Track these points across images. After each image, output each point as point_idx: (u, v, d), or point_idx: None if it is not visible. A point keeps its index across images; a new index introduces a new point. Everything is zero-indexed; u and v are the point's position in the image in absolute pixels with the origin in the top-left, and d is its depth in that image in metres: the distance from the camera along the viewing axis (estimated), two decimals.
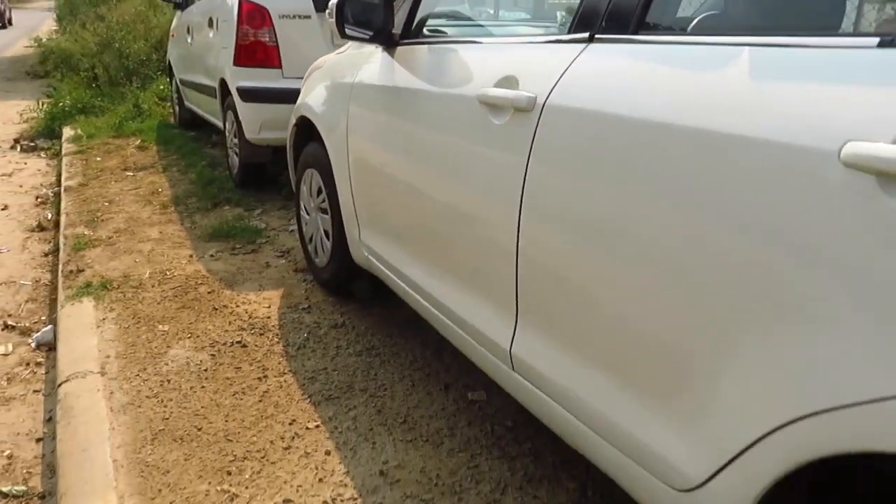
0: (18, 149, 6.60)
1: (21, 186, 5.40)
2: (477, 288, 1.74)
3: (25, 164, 6.12)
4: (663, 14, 1.39)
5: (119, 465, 1.86)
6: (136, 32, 8.11)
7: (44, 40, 13.13)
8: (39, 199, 5.07)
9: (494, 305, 1.65)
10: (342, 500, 1.73)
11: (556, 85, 1.41)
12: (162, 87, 7.28)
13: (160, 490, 1.77)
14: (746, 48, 1.09)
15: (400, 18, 2.10)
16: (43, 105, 7.58)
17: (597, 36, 1.39)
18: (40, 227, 4.46)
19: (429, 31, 2.15)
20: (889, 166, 0.82)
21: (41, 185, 5.47)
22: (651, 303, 1.19)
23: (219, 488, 1.77)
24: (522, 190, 1.47)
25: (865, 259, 0.86)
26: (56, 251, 4.06)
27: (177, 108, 6.34)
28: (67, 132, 6.38)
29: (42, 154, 6.50)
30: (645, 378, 1.23)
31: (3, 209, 4.82)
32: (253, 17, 3.74)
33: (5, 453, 2.23)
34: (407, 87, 2.02)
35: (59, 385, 2.27)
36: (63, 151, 5.63)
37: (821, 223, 0.91)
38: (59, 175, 5.69)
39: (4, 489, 2.07)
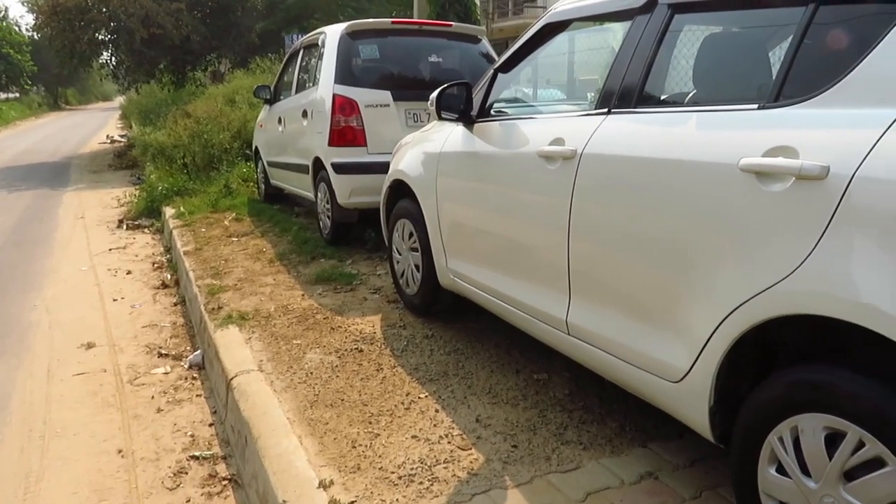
0: (124, 227, 7.70)
1: (136, 256, 6.40)
2: (540, 283, 2.51)
3: (134, 238, 7.18)
4: (650, 97, 2.19)
5: (291, 421, 2.63)
6: (219, 125, 9.31)
7: (132, 136, 14.67)
8: (156, 265, 6.03)
9: (553, 292, 2.42)
10: (452, 435, 2.47)
11: (588, 141, 2.22)
12: (245, 169, 8.38)
13: (325, 433, 2.53)
14: (693, 113, 1.90)
15: (476, 104, 2.96)
16: (140, 191, 8.71)
17: (612, 110, 2.21)
18: (164, 285, 5.39)
19: (495, 112, 3.01)
20: (762, 169, 1.60)
21: (153, 254, 6.46)
22: (648, 267, 1.96)
23: (365, 431, 2.53)
24: (570, 209, 2.26)
25: (751, 219, 1.63)
26: (182, 302, 4.96)
27: (262, 186, 7.36)
28: (168, 211, 7.42)
29: (146, 231, 7.56)
30: (647, 313, 1.98)
31: (128, 273, 5.79)
32: (344, 108, 4.71)
33: (189, 434, 3.03)
34: (485, 151, 2.86)
35: (231, 379, 3.06)
36: (171, 226, 6.63)
37: (731, 201, 1.68)
38: (166, 245, 6.68)
39: (196, 454, 2.87)
